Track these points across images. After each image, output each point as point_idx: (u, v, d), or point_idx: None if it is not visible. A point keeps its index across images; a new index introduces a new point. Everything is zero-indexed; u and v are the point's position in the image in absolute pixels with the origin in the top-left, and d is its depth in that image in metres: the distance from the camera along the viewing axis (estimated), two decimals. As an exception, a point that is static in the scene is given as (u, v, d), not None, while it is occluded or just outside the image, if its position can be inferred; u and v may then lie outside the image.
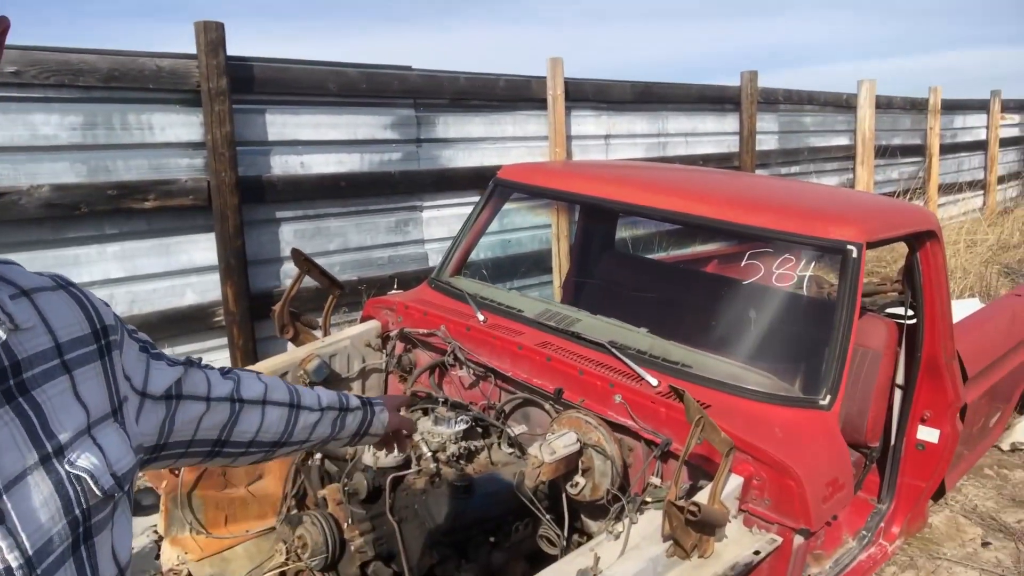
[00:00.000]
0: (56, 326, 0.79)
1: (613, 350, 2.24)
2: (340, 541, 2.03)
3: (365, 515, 2.04)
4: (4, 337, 0.69)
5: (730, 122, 7.23)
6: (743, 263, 2.34)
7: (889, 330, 2.76)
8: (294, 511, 2.38)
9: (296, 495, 2.43)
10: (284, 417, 1.21)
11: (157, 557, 2.49)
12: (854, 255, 2.25)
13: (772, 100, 7.65)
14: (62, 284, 0.85)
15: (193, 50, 3.89)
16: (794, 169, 8.18)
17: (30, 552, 0.67)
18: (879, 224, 2.44)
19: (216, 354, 4.17)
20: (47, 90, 3.50)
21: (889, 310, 3.52)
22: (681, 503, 1.64)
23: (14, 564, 0.65)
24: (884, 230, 2.44)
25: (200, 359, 1.14)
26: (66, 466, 0.73)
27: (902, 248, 3.08)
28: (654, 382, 2.11)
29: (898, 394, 2.86)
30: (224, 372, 1.16)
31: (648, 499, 1.94)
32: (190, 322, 4.04)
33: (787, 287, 2.44)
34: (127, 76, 3.70)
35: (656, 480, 2.04)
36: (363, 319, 3.04)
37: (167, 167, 3.90)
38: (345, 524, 2.04)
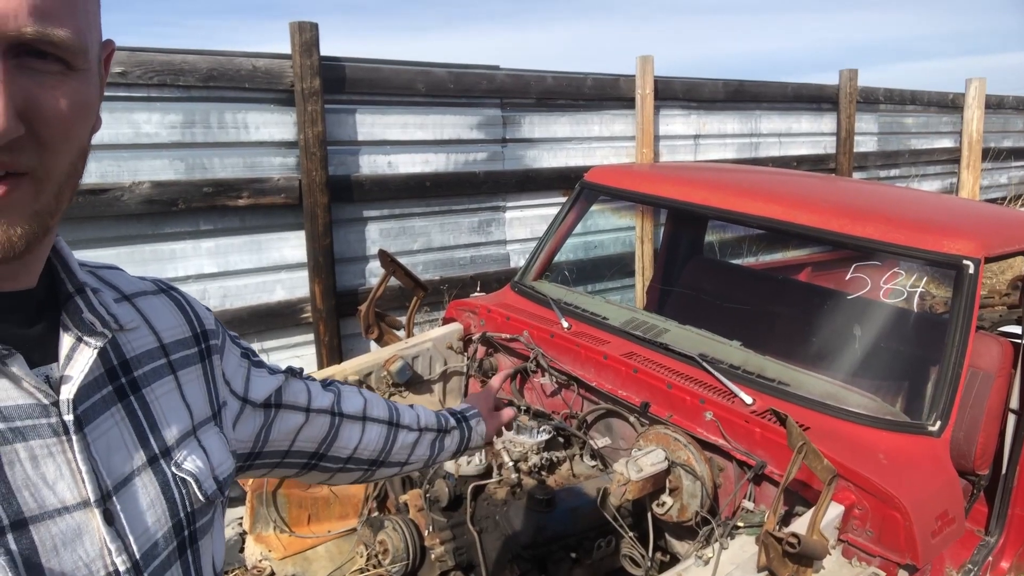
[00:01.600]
0: (159, 327, 0.80)
1: (704, 364, 2.15)
2: (420, 548, 2.02)
3: (446, 523, 2.02)
4: (110, 335, 0.69)
5: (827, 122, 6.93)
6: (848, 276, 2.20)
7: (1003, 350, 2.56)
8: (375, 513, 2.38)
9: (377, 497, 2.43)
10: (383, 435, 1.18)
11: (241, 550, 2.55)
12: (971, 271, 2.09)
13: (872, 99, 7.29)
14: (163, 288, 0.86)
15: (287, 49, 3.97)
16: (893, 172, 7.78)
17: (137, 555, 0.66)
18: (998, 237, 2.26)
19: (303, 349, 4.25)
20: (150, 89, 3.63)
21: (1003, 328, 3.28)
22: (780, 534, 1.54)
23: (122, 568, 0.64)
24: (1003, 244, 2.26)
25: (301, 369, 1.12)
26: (172, 468, 0.73)
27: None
28: (748, 400, 2.01)
29: (1011, 419, 2.65)
30: (325, 384, 1.14)
31: (740, 524, 1.85)
32: (279, 318, 4.13)
33: (894, 302, 2.29)
34: (224, 76, 3.81)
35: (749, 504, 1.95)
36: (445, 321, 3.03)
37: (260, 165, 4.00)
38: (426, 531, 2.02)
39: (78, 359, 0.65)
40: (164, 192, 3.68)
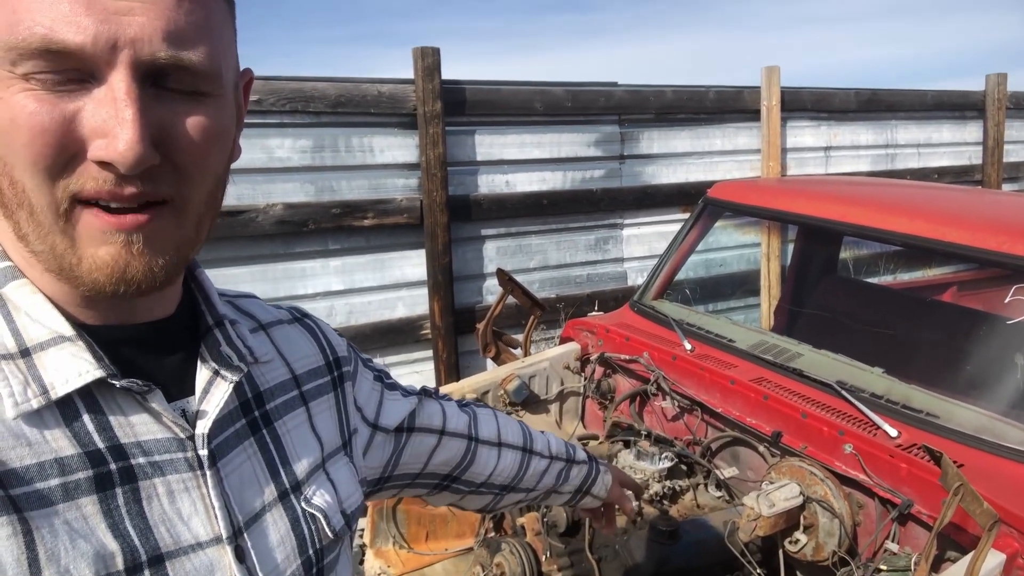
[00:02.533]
0: (292, 358, 0.79)
1: (843, 392, 2.00)
2: (538, 574, 1.98)
3: (563, 549, 1.97)
4: (246, 370, 0.69)
5: (971, 131, 6.44)
6: (1008, 299, 2.00)
7: None
8: (491, 534, 2.36)
9: (494, 517, 2.41)
10: (518, 461, 1.15)
11: (361, 563, 2.59)
12: None
13: (1024, 105, 6.73)
14: (297, 317, 0.86)
15: (409, 74, 4.08)
16: (1051, 183, 7.13)
17: None
18: None
19: (422, 365, 4.33)
20: (282, 116, 3.82)
21: None
22: (933, 584, 1.40)
23: None
24: None
25: (436, 389, 1.11)
26: (302, 503, 0.72)
27: None
28: (893, 432, 1.85)
29: None
30: (461, 404, 1.12)
31: (883, 567, 1.70)
32: (399, 334, 4.23)
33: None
34: (351, 101, 3.96)
35: (893, 546, 1.79)
36: (562, 340, 2.99)
37: (384, 187, 4.12)
38: (543, 557, 1.98)
39: (214, 393, 0.66)
40: (295, 213, 3.85)
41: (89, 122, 0.53)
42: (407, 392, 1.02)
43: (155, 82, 0.55)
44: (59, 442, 0.56)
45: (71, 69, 0.52)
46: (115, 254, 0.56)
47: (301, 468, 0.73)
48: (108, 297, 0.58)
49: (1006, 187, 6.67)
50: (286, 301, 4.14)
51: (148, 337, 0.64)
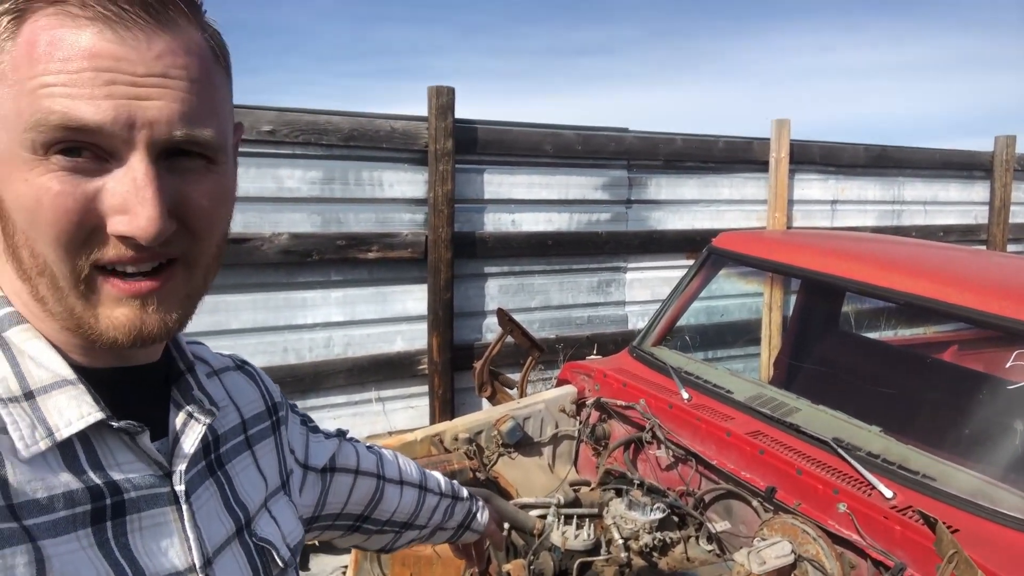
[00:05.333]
0: (240, 403, 0.85)
1: (839, 449, 1.98)
2: (522, 622, 1.93)
3: (549, 598, 1.93)
4: (217, 414, 0.74)
5: (978, 191, 6.47)
6: (1009, 363, 1.98)
7: None
8: (478, 578, 2.32)
9: (480, 562, 2.37)
10: (415, 498, 1.20)
11: (346, 602, 2.54)
12: None
13: (1033, 167, 6.76)
14: (239, 364, 0.92)
15: (422, 109, 4.13)
16: (1058, 247, 7.13)
17: None
18: None
19: (417, 400, 4.31)
20: (295, 147, 3.86)
21: None
22: (923, 654, 1.36)
23: None
24: None
25: (347, 431, 1.16)
26: (254, 538, 0.78)
27: None
28: (888, 493, 1.82)
29: None
30: (367, 447, 1.18)
31: (874, 632, 1.66)
32: (396, 368, 4.21)
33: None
34: (364, 136, 4.00)
35: (885, 611, 1.75)
36: (559, 383, 2.97)
37: (391, 221, 4.15)
38: (528, 605, 1.94)
39: (189, 434, 0.71)
40: (301, 243, 3.87)
41: (109, 200, 0.58)
42: (328, 435, 1.08)
43: (168, 155, 0.60)
44: (64, 476, 0.60)
45: (90, 146, 0.57)
46: (131, 315, 0.61)
47: (252, 505, 0.79)
48: (126, 349, 0.64)
49: (1011, 248, 6.68)
50: (285, 331, 4.11)
51: (134, 380, 0.70)
